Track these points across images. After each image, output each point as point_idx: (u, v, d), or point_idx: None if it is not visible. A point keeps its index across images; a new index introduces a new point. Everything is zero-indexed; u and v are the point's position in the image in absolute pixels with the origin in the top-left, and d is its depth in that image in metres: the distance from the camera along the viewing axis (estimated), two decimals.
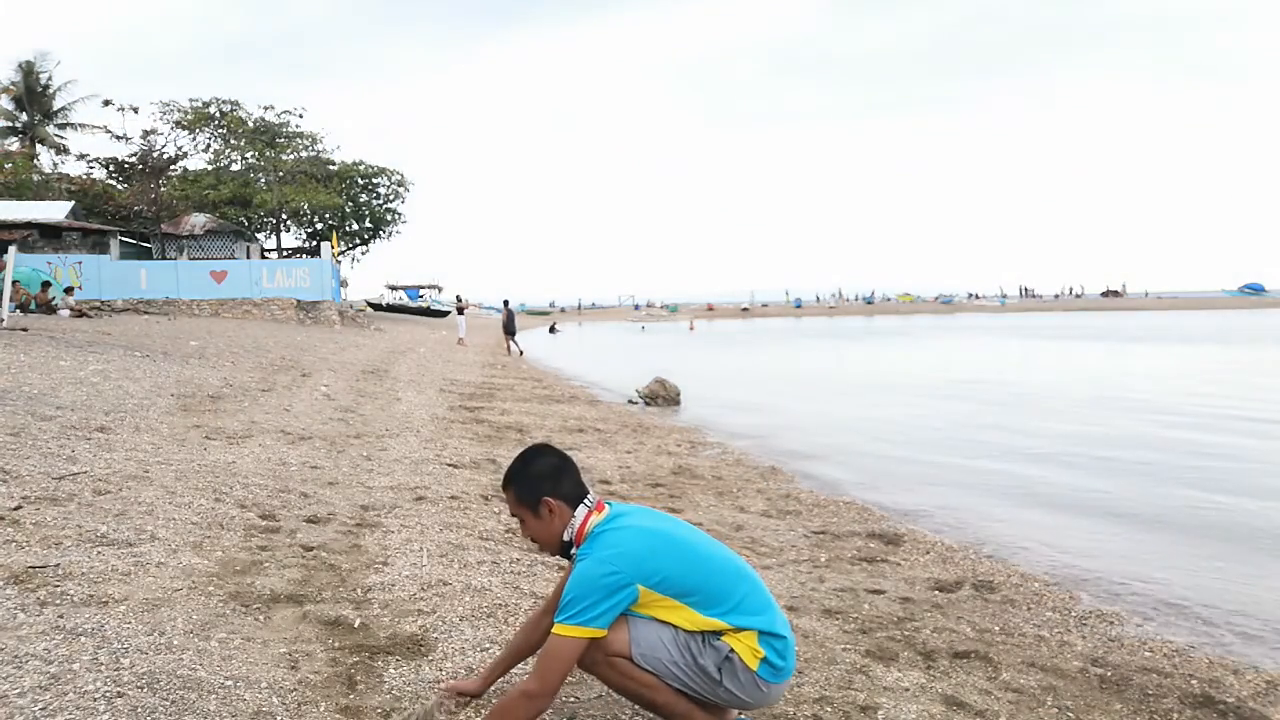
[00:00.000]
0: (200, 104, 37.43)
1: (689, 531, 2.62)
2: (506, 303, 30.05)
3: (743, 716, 2.68)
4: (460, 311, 30.37)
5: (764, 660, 2.42)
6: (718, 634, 2.43)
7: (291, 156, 39.08)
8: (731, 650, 2.41)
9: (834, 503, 6.90)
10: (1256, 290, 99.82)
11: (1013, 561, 5.39)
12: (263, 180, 37.86)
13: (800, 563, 5.16)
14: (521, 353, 25.92)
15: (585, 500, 2.52)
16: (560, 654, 2.29)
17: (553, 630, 2.31)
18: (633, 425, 11.07)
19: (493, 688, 2.81)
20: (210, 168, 38.21)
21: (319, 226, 42.19)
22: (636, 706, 2.73)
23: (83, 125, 41.39)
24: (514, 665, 2.78)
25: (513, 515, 2.59)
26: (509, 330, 26.91)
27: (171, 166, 35.75)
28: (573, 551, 2.50)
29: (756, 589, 2.54)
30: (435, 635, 3.31)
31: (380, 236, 44.90)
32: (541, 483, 2.50)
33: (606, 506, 2.54)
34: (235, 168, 38.66)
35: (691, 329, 53.89)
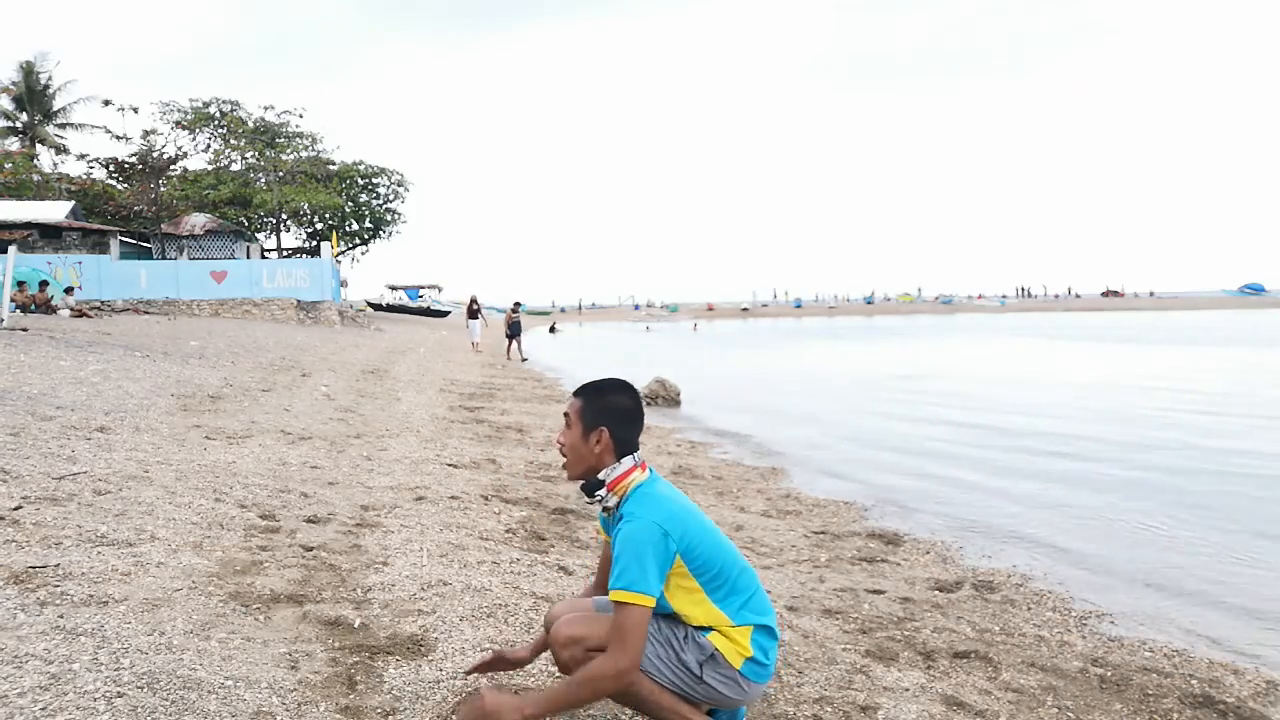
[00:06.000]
0: (200, 104, 37.49)
1: (710, 521, 2.62)
2: (518, 305, 28.73)
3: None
4: (474, 315, 27.03)
5: (750, 659, 2.42)
6: (705, 630, 2.42)
7: (291, 156, 39.14)
8: (715, 649, 2.40)
9: (834, 503, 6.91)
10: (1256, 290, 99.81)
11: (1013, 561, 5.39)
12: (263, 180, 37.90)
13: (800, 563, 5.16)
14: (525, 359, 24.37)
15: (634, 455, 2.48)
16: (635, 627, 2.24)
17: (613, 598, 2.26)
18: None
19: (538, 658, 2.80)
20: (210, 168, 38.25)
21: (319, 226, 42.23)
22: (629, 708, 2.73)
23: (83, 125, 41.43)
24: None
25: (565, 415, 2.53)
26: (513, 334, 25.50)
27: (171, 166, 35.79)
28: (599, 493, 2.46)
29: (760, 589, 2.56)
30: (435, 635, 3.31)
31: (380, 236, 44.91)
32: (607, 414, 2.45)
33: (649, 470, 2.51)
34: (235, 168, 38.71)
35: (695, 329, 53.90)
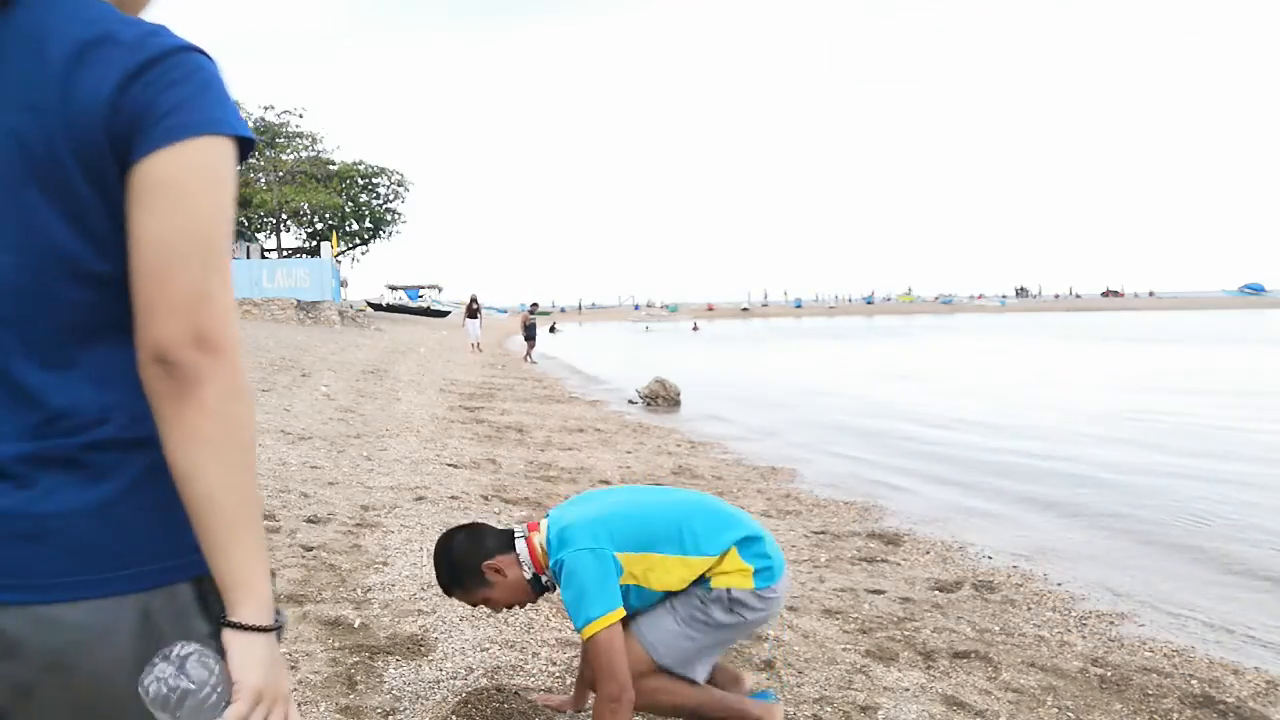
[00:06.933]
0: None
1: (633, 489, 2.65)
2: (535, 305, 27.89)
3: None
4: (473, 315, 26.42)
5: (756, 572, 2.43)
6: (705, 580, 2.42)
7: (291, 156, 39.14)
8: (728, 589, 2.41)
9: (834, 503, 6.90)
10: (1256, 290, 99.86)
11: (1013, 561, 5.39)
12: (263, 180, 37.90)
13: (800, 563, 5.16)
14: (533, 362, 24.15)
15: (516, 534, 2.48)
16: (607, 649, 2.26)
17: (583, 637, 2.29)
18: (633, 425, 11.07)
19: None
20: None
21: (319, 226, 42.24)
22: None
23: None
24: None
25: (477, 606, 2.54)
26: (530, 334, 25.46)
27: None
28: (544, 580, 2.46)
29: (718, 509, 2.54)
30: (435, 635, 3.31)
31: (380, 236, 44.92)
32: (469, 560, 2.45)
33: (539, 522, 2.52)
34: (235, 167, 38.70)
35: (695, 329, 53.92)
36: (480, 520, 2.59)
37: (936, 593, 4.66)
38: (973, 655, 3.66)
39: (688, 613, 2.42)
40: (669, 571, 2.40)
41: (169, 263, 0.84)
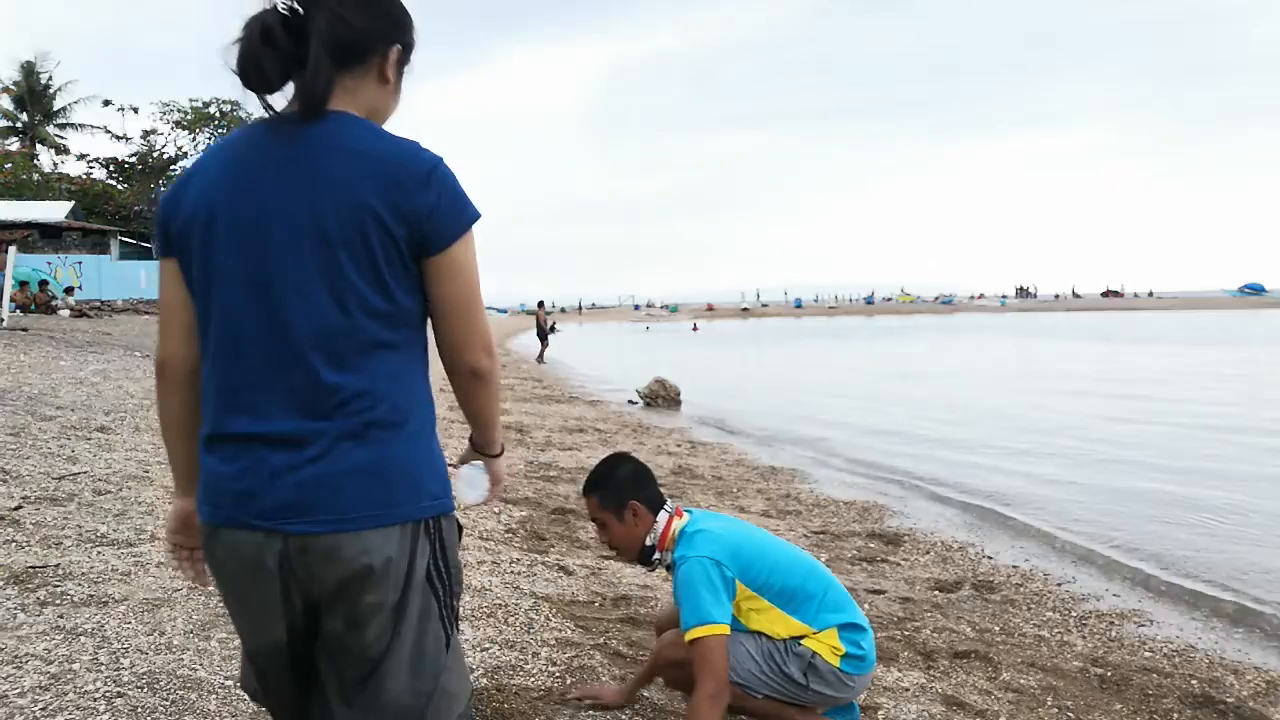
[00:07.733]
0: (200, 104, 37.46)
1: (766, 534, 2.75)
2: (541, 304, 27.54)
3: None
4: None
5: (845, 656, 2.51)
6: (799, 639, 2.50)
7: None
8: (814, 654, 2.48)
9: (834, 503, 6.90)
10: (1257, 290, 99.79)
11: (1013, 561, 5.39)
12: None
13: None
14: (543, 363, 24.06)
15: (665, 507, 2.60)
16: (713, 653, 2.37)
17: (688, 639, 2.39)
18: (633, 425, 11.07)
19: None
20: None
21: None
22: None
23: (83, 125, 41.36)
24: (653, 678, 2.84)
25: (593, 520, 2.67)
26: (544, 335, 25.05)
27: (172, 166, 35.79)
28: (655, 556, 2.58)
29: (833, 586, 2.63)
30: None
31: None
32: (625, 488, 2.58)
33: (686, 513, 2.63)
34: None
35: (695, 329, 53.91)
36: (650, 471, 2.70)
37: (936, 593, 4.66)
38: (973, 655, 3.66)
39: (767, 649, 2.50)
40: (772, 621, 2.51)
41: (467, 314, 1.41)
